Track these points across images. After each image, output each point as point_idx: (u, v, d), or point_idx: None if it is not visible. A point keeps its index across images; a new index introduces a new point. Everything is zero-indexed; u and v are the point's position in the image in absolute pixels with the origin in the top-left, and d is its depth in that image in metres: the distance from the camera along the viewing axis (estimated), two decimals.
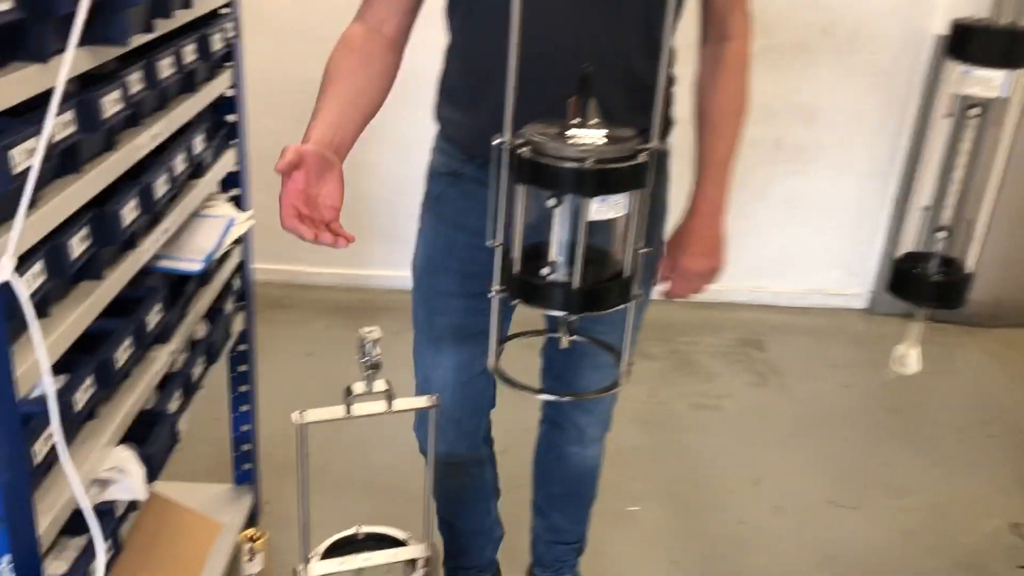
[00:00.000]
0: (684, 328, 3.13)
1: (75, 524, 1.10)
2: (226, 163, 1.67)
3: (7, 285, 0.89)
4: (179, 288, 1.46)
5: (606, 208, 0.95)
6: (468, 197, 1.39)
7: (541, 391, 1.02)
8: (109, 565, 1.10)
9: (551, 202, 0.95)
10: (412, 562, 1.21)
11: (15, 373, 0.93)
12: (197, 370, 1.52)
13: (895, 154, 3.15)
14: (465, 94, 1.35)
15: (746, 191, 3.20)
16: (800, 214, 3.24)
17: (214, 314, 1.63)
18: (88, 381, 1.13)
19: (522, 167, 0.95)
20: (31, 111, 0.94)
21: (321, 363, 2.77)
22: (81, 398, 1.12)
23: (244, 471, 2.04)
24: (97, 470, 1.14)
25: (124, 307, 1.30)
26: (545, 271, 0.99)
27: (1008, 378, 2.92)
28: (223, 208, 1.65)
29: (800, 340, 3.10)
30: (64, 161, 1.07)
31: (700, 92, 1.40)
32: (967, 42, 0.94)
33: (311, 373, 2.71)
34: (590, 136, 0.94)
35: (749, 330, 3.14)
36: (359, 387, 1.10)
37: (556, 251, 0.98)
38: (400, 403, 1.12)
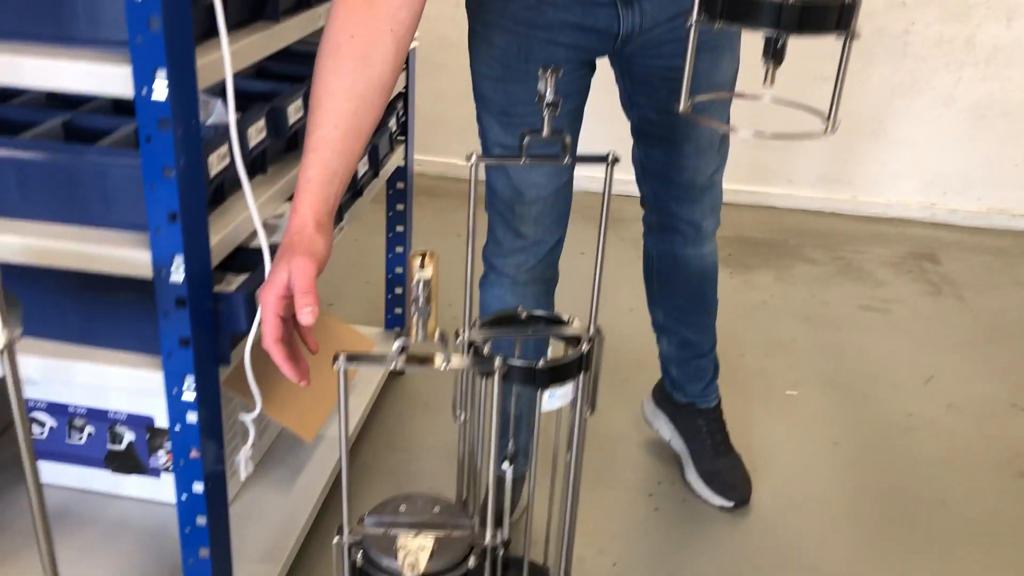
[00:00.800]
0: (849, 239, 2.94)
1: (240, 262, 1.09)
2: None
3: None
4: None
5: None
6: None
7: (733, 129, 0.92)
8: None
9: None
10: (576, 343, 1.15)
11: (197, 62, 0.92)
12: (360, 170, 1.50)
13: None
14: None
15: (928, 95, 2.96)
16: (989, 124, 2.97)
17: (379, 127, 1.60)
18: (260, 123, 1.12)
19: None
20: None
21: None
22: (254, 137, 1.10)
23: (395, 315, 2.03)
24: (267, 214, 1.13)
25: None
26: None
27: None
28: None
29: (980, 257, 2.86)
30: None
31: None
32: None
33: (459, 249, 2.70)
34: None
35: (922, 244, 2.92)
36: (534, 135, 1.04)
37: None
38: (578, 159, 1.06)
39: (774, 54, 0.94)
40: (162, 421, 1.43)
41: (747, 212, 3.08)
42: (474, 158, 1.05)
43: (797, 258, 2.79)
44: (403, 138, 1.84)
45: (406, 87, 1.78)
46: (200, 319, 0.99)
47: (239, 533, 1.20)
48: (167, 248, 0.94)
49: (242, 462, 1.11)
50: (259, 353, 1.09)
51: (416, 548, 1.00)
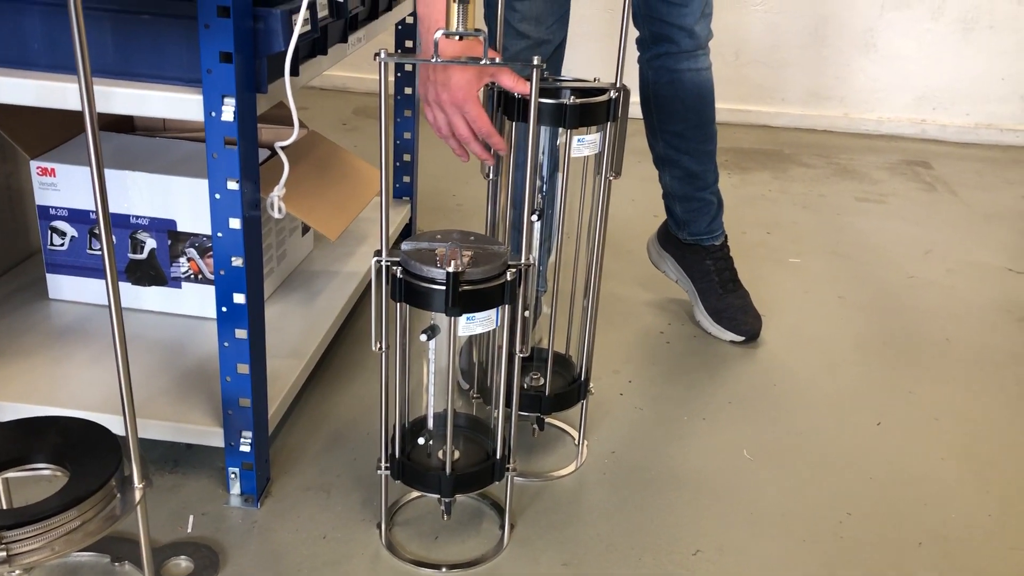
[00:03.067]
0: (843, 149, 2.99)
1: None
2: None
3: None
4: None
5: None
6: None
7: None
8: None
9: None
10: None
11: None
12: None
13: None
14: None
15: (918, 8, 3.02)
16: (976, 37, 3.03)
17: None
18: None
19: None
20: None
21: None
22: None
23: (403, 183, 2.05)
24: None
25: None
26: None
27: None
28: None
29: (972, 164, 2.92)
30: None
31: None
32: None
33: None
34: None
35: (914, 155, 2.98)
36: None
37: None
38: None
39: None
40: (184, 224, 1.44)
41: (741, 130, 3.12)
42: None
43: (793, 163, 2.83)
44: None
45: None
46: (242, 34, 1.00)
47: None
48: None
49: (275, 199, 1.12)
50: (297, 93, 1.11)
51: (455, 253, 1.02)
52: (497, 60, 1.08)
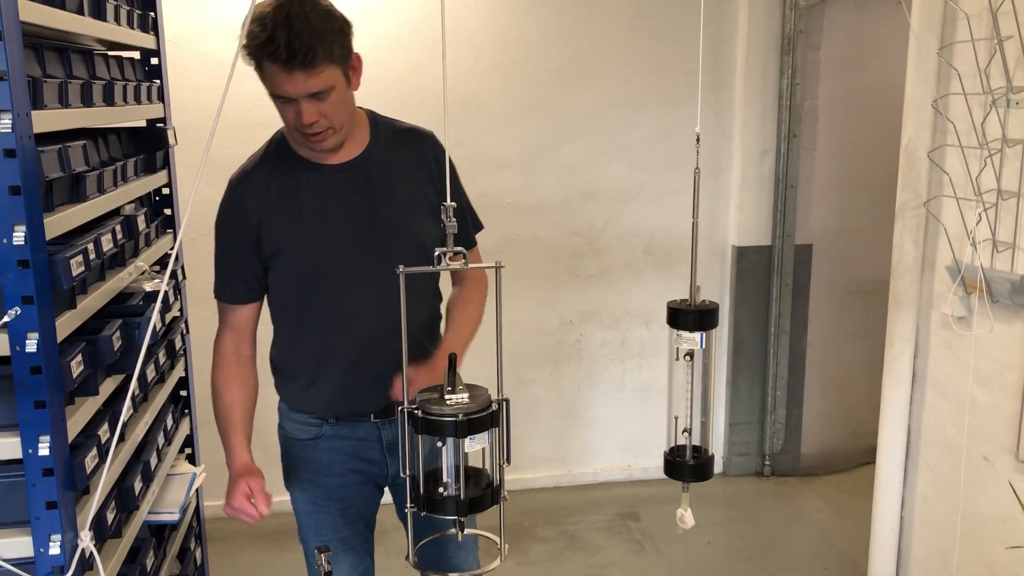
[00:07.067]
0: (571, 509, 3.61)
1: None
2: (183, 430, 2.12)
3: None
4: (160, 533, 1.88)
5: (476, 443, 1.47)
6: (333, 452, 1.84)
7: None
8: None
9: (439, 443, 1.45)
10: None
11: None
12: None
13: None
14: (308, 373, 1.82)
15: (605, 384, 3.80)
16: (652, 398, 3.84)
17: (183, 552, 2.03)
18: None
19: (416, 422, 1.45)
20: None
21: None
22: None
23: None
24: None
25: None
26: (440, 490, 1.48)
27: (837, 517, 3.50)
28: (184, 466, 2.09)
29: (669, 507, 3.59)
30: None
31: (450, 305, 1.91)
32: (677, 316, 1.54)
33: None
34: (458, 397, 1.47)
35: (626, 504, 3.65)
36: None
37: (447, 474, 1.48)
38: None
39: (461, 525, 1.52)
40: None
41: None
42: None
43: (532, 539, 3.39)
44: (200, 539, 2.25)
45: (198, 503, 2.22)
46: None
47: None
48: None
49: None
50: None
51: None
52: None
